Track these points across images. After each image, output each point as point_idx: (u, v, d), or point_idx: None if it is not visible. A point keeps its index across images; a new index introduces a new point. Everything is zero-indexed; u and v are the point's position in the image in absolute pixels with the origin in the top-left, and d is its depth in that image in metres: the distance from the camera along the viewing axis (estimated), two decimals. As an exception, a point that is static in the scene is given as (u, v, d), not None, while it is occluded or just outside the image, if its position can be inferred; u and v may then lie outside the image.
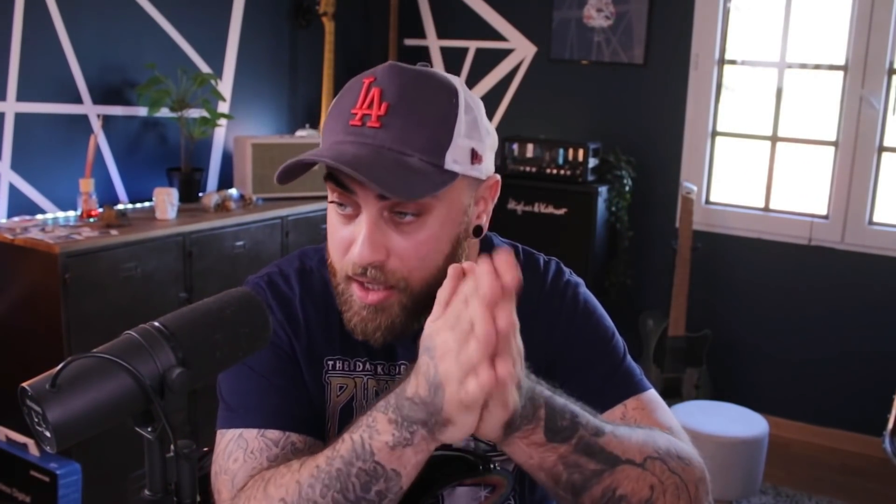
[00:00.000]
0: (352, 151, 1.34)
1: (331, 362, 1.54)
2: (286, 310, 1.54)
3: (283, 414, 1.47)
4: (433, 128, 1.38)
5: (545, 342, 1.58)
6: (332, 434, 1.51)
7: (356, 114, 1.36)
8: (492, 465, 1.52)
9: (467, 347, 1.13)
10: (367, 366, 1.53)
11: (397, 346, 1.52)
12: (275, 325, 1.50)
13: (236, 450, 1.45)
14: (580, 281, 1.70)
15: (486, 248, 1.60)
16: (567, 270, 1.70)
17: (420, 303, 1.42)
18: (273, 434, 1.45)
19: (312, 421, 1.51)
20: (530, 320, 1.51)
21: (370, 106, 1.36)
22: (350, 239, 1.39)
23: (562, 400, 1.31)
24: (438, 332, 1.17)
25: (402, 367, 1.52)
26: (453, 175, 1.39)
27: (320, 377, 1.53)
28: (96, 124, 4.00)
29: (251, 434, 1.45)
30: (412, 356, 1.42)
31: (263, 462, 1.43)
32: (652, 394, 1.64)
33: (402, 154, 1.36)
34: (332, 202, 1.42)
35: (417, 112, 1.38)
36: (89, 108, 3.99)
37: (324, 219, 4.46)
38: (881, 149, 4.52)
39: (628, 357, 1.66)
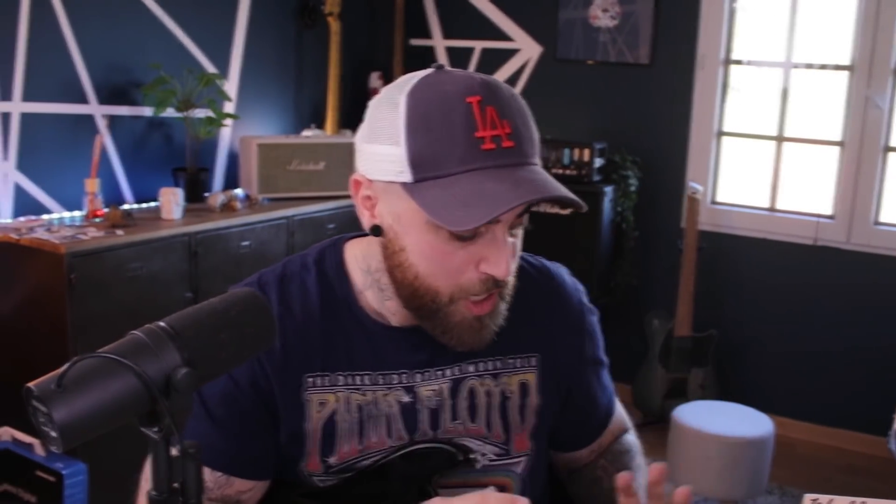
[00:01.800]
0: (525, 177, 1.30)
1: (310, 379, 1.48)
2: None
3: (221, 454, 1.46)
4: (535, 131, 1.39)
5: (570, 365, 1.63)
6: (314, 450, 1.49)
7: (484, 137, 1.28)
8: (472, 457, 1.54)
9: None
10: (350, 379, 1.49)
11: (386, 358, 1.50)
12: None
13: None
14: (595, 311, 1.72)
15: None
16: (577, 282, 1.71)
17: (507, 298, 1.45)
18: (217, 474, 1.46)
19: (261, 463, 1.50)
20: (559, 342, 1.62)
21: (494, 126, 1.29)
22: (468, 262, 1.34)
23: None
24: None
25: (389, 376, 1.50)
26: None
27: (298, 395, 1.48)
28: (102, 124, 4.01)
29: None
30: (393, 365, 1.50)
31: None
32: (618, 406, 1.78)
33: (538, 165, 1.35)
34: (452, 234, 1.31)
35: (526, 122, 1.36)
36: (95, 108, 3.99)
37: (330, 218, 4.48)
38: (887, 148, 4.52)
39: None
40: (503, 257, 1.33)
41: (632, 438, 1.77)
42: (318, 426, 1.48)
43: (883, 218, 4.56)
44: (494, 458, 1.55)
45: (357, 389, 1.48)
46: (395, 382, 1.49)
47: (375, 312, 1.50)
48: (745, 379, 4.90)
